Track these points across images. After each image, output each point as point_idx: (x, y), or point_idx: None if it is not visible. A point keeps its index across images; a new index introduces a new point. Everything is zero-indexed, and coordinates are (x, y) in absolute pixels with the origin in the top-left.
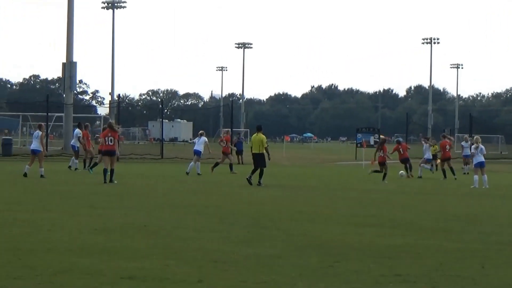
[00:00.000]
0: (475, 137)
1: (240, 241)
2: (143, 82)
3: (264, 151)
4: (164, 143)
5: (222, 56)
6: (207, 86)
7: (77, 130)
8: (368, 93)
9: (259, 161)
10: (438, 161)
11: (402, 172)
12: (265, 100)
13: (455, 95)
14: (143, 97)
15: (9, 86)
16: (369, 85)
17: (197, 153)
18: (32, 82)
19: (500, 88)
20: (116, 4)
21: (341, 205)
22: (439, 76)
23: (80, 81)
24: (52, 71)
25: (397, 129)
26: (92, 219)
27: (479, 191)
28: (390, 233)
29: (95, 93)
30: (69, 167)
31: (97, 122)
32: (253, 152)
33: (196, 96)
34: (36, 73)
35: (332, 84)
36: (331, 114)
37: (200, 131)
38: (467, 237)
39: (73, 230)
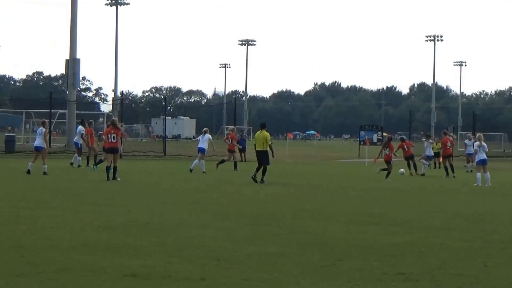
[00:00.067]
0: (477, 134)
1: (243, 239)
2: (146, 79)
3: (268, 149)
4: (167, 140)
5: (226, 53)
6: (210, 83)
7: (80, 127)
8: (371, 91)
9: (262, 158)
10: (441, 159)
11: (402, 170)
12: (268, 97)
13: (458, 92)
14: (146, 94)
15: (12, 83)
16: (372, 83)
17: (201, 150)
18: (35, 79)
19: (503, 86)
20: (119, 1)
21: (343, 203)
22: (442, 74)
23: (84, 78)
24: (55, 68)
25: (400, 126)
26: (95, 217)
27: (482, 189)
28: (393, 231)
29: (98, 90)
30: (71, 163)
31: (100, 119)
32: (256, 149)
33: (199, 93)
34: (40, 70)
35: (336, 82)
36: (334, 111)
37: (204, 129)
38: (470, 235)
39: (76, 227)
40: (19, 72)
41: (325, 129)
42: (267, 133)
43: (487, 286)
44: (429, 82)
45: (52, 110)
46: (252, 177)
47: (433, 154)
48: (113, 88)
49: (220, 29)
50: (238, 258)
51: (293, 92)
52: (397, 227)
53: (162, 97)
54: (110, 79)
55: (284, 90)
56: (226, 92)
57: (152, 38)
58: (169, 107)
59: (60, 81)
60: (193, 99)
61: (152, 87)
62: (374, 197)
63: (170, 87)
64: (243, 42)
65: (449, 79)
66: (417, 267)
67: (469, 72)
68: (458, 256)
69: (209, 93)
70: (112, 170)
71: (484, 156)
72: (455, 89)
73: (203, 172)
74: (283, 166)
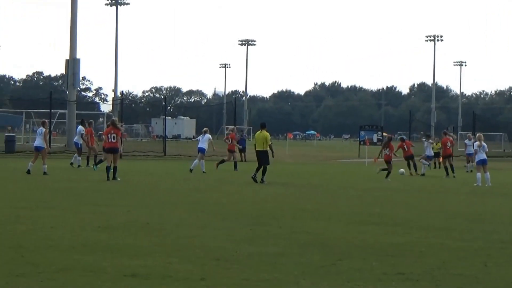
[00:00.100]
0: (477, 134)
1: (243, 239)
2: (146, 79)
3: (268, 149)
4: (167, 140)
5: (226, 53)
6: (210, 83)
7: (80, 127)
8: (371, 91)
9: (262, 158)
10: (441, 159)
11: (402, 170)
12: (268, 97)
13: (458, 92)
14: (146, 94)
15: (12, 83)
16: (372, 83)
17: (201, 150)
18: (35, 79)
19: (503, 86)
20: (119, 1)
21: (343, 203)
22: (442, 74)
23: (84, 78)
24: (55, 68)
25: (400, 126)
26: (95, 217)
27: (482, 189)
28: (393, 231)
29: (98, 90)
30: (71, 163)
31: (100, 119)
32: (256, 149)
33: (199, 93)
34: (40, 70)
35: (336, 82)
36: (334, 111)
37: (204, 129)
38: (470, 235)
39: (76, 227)
40: (19, 72)
41: (325, 129)
42: (267, 133)
43: (487, 286)
44: (429, 82)
45: (52, 110)
46: (252, 177)
47: (433, 154)
48: (113, 88)
49: (220, 29)
50: (238, 258)
51: (293, 92)
52: (397, 227)
53: (162, 97)
54: (110, 79)
55: (284, 90)
56: (226, 92)
57: (152, 38)
58: (169, 107)
59: (60, 81)
60: (193, 99)
61: (152, 87)
62: (374, 197)
63: (170, 87)
64: (243, 42)
65: (449, 79)
66: (417, 267)
67: (469, 72)
68: (458, 256)
69: (209, 93)
70: (112, 170)
71: (484, 156)
72: (455, 89)
73: (203, 172)
74: (283, 166)
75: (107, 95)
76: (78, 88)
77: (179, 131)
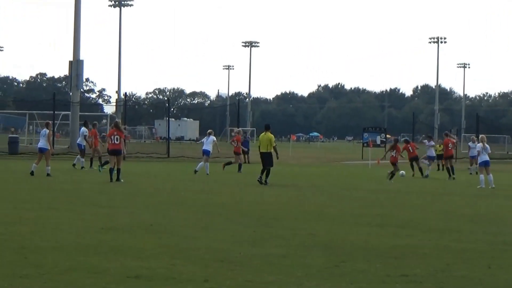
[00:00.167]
0: (480, 136)
1: (246, 241)
2: (150, 80)
3: (272, 150)
4: (170, 142)
5: (229, 54)
6: (213, 85)
7: (83, 129)
8: (375, 93)
9: (267, 160)
10: (443, 160)
11: (403, 172)
12: (271, 99)
13: (461, 94)
14: (150, 95)
15: (15, 84)
16: (376, 85)
17: (206, 153)
18: (38, 80)
19: (507, 88)
20: (123, 2)
21: (347, 204)
22: (446, 76)
23: (87, 80)
24: (58, 69)
25: (403, 128)
26: (98, 218)
27: (486, 192)
28: (396, 233)
29: (101, 91)
30: (73, 165)
31: (104, 121)
32: (261, 151)
33: (203, 94)
34: (43, 71)
35: (339, 83)
36: (337, 113)
37: (209, 130)
38: (474, 237)
39: (79, 228)
40: (22, 73)
41: (329, 131)
42: (272, 135)
43: None
44: (433, 84)
45: (55, 112)
46: (258, 180)
47: (434, 155)
48: (117, 89)
49: (223, 30)
50: (242, 260)
51: (296, 94)
52: (400, 229)
53: (166, 98)
54: (113, 81)
55: (288, 91)
56: (230, 94)
57: (155, 39)
58: (172, 109)
59: (64, 82)
60: (196, 101)
61: (155, 89)
62: (377, 199)
63: (174, 89)
64: (247, 44)
65: (452, 81)
66: (420, 269)
67: (473, 74)
68: (462, 258)
69: (212, 95)
70: (116, 172)
71: (487, 158)
72: (459, 91)
73: (207, 174)
74: (286, 168)
75: (110, 97)
76: (81, 90)
77: (182, 133)
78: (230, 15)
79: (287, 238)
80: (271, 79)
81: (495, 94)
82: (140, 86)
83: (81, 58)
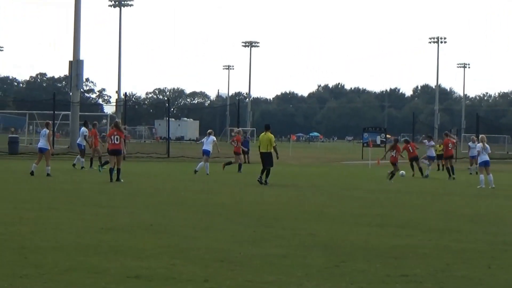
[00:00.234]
0: (480, 136)
1: (246, 241)
2: (150, 80)
3: (272, 150)
4: (170, 142)
5: (229, 54)
6: (213, 85)
7: (83, 129)
8: (375, 93)
9: (267, 160)
10: (443, 161)
11: (403, 172)
12: (271, 99)
13: (461, 94)
14: (150, 95)
15: (15, 84)
16: (376, 85)
17: (206, 153)
18: (38, 80)
19: (507, 88)
20: (123, 2)
21: (347, 204)
22: (446, 76)
23: (87, 80)
24: (58, 69)
25: (403, 128)
26: (98, 218)
27: (486, 192)
28: (397, 233)
29: (101, 91)
30: (73, 165)
31: (104, 121)
32: (261, 151)
33: (203, 94)
34: (43, 71)
35: (339, 83)
36: (337, 113)
37: (209, 130)
38: (474, 237)
39: (79, 228)
40: (22, 73)
41: (329, 131)
42: (272, 135)
43: None
44: (433, 84)
45: (55, 112)
46: (258, 180)
47: (434, 155)
48: (117, 89)
49: (223, 30)
50: (242, 260)
51: (296, 94)
52: (400, 228)
53: (166, 98)
54: (113, 81)
55: (288, 91)
56: (230, 94)
57: (155, 39)
58: (172, 109)
59: (64, 82)
60: (196, 101)
61: (155, 89)
62: (377, 199)
63: (174, 89)
64: (247, 44)
65: (452, 81)
66: (420, 269)
67: (473, 74)
68: (462, 258)
69: (212, 95)
70: (116, 172)
71: (487, 158)
72: (459, 91)
73: (207, 174)
74: (286, 167)
75: (110, 97)
76: (81, 90)
77: (182, 133)
78: (230, 15)
79: (287, 238)
80: (271, 79)
81: (495, 94)
82: (140, 86)
83: (81, 58)
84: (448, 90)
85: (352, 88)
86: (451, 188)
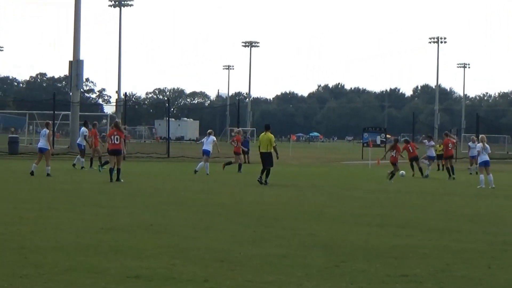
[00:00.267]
0: (480, 136)
1: (246, 241)
2: (150, 80)
3: (272, 150)
4: (170, 142)
5: (229, 54)
6: (213, 85)
7: (83, 129)
8: (375, 93)
9: (267, 160)
10: (443, 161)
11: (403, 172)
12: (271, 99)
13: (461, 94)
14: (150, 95)
15: (15, 84)
16: (376, 85)
17: (206, 153)
18: (38, 80)
19: (507, 88)
20: (123, 2)
21: (347, 204)
22: (446, 76)
23: (87, 80)
24: (58, 69)
25: (403, 128)
26: (98, 218)
27: (486, 192)
28: (396, 233)
29: (101, 91)
30: (73, 165)
31: (104, 121)
32: (261, 151)
33: (203, 94)
34: (43, 71)
35: (339, 83)
36: (337, 113)
37: (209, 130)
38: (474, 237)
39: (79, 228)
40: (22, 73)
41: (329, 131)
42: (272, 135)
43: None
44: (433, 84)
45: (55, 112)
46: (258, 180)
47: (434, 155)
48: (117, 89)
49: (223, 30)
50: (242, 260)
51: (296, 94)
52: (400, 228)
53: (166, 98)
54: (113, 81)
55: (288, 91)
56: (230, 94)
57: (155, 39)
58: (172, 109)
59: (64, 82)
60: (196, 101)
61: (155, 89)
62: (377, 199)
63: (174, 89)
64: (247, 44)
65: (452, 81)
66: (420, 269)
67: (473, 74)
68: (462, 258)
69: (212, 95)
70: (115, 172)
71: (487, 158)
72: (459, 91)
73: (207, 174)
74: (286, 167)
75: (110, 97)
76: (81, 90)
77: (182, 133)
78: (230, 15)
79: (287, 238)
80: (271, 79)
81: (495, 94)
82: (140, 86)
83: (81, 58)
84: (448, 90)
85: (352, 88)
86: (451, 188)
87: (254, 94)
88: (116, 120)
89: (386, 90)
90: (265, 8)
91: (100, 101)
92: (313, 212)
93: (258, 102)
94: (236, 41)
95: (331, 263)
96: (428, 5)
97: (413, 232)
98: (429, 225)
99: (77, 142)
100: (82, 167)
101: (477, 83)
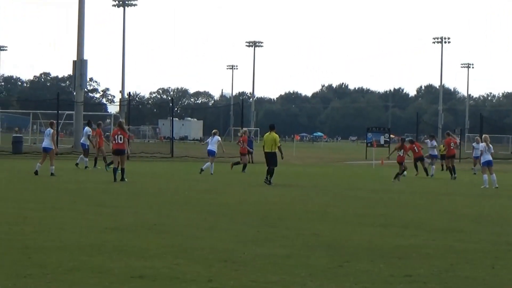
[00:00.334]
0: (483, 136)
1: (250, 241)
2: (154, 80)
3: (277, 150)
4: (174, 142)
5: (233, 54)
6: (217, 85)
7: (87, 128)
8: (379, 93)
9: (271, 160)
10: (446, 160)
11: (404, 172)
12: (275, 99)
13: (465, 94)
14: (154, 95)
15: (19, 83)
16: (380, 85)
17: (211, 153)
18: (42, 79)
19: (511, 88)
20: (127, 2)
21: (351, 205)
22: (449, 76)
23: (91, 79)
24: (62, 69)
25: (407, 128)
26: (102, 218)
27: (489, 192)
28: (400, 233)
29: (105, 91)
30: (76, 164)
31: (108, 120)
32: (265, 151)
33: (207, 94)
34: (47, 71)
35: (343, 83)
36: (341, 113)
37: (214, 130)
38: (477, 237)
39: (83, 228)
40: (26, 73)
41: (332, 130)
42: (276, 135)
43: None
44: (437, 84)
45: (59, 111)
46: (265, 182)
47: (436, 153)
48: (120, 89)
49: (227, 30)
50: (246, 260)
51: (300, 94)
52: (404, 229)
53: (169, 98)
54: (117, 80)
55: (291, 91)
56: (233, 94)
57: (159, 39)
58: (176, 109)
59: (68, 82)
60: (200, 101)
61: (159, 88)
62: (381, 199)
63: (177, 88)
64: (250, 44)
65: (456, 81)
66: (424, 269)
67: (477, 74)
68: (466, 258)
69: (216, 95)
70: (119, 171)
71: (490, 158)
72: (463, 91)
73: (211, 174)
74: (290, 167)
75: (114, 96)
76: (85, 89)
77: (186, 133)
78: (234, 15)
79: (291, 238)
80: (275, 79)
81: (499, 94)
82: (144, 86)
83: (85, 58)
84: (452, 90)
85: (356, 88)
86: (454, 188)
87: (258, 94)
88: (120, 120)
89: (390, 90)
90: (269, 8)
91: (104, 100)
92: (317, 212)
93: (262, 102)
94: (240, 41)
95: (334, 263)
96: (432, 5)
97: (416, 232)
98: (433, 225)
99: (81, 141)
100: (86, 167)
101: (481, 83)
